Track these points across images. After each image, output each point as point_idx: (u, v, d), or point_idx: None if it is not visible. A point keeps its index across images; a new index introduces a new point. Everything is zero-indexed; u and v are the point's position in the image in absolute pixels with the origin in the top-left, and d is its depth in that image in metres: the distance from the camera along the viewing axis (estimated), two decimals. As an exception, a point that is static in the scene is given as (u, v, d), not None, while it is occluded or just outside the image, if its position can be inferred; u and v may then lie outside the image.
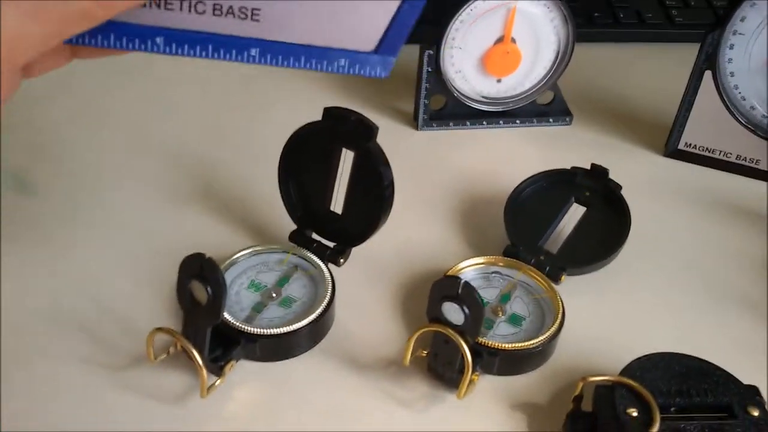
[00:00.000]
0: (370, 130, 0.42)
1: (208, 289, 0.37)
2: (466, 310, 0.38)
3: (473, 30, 0.55)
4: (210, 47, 0.28)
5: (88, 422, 0.39)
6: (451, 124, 0.60)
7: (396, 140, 0.58)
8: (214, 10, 0.27)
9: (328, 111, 0.43)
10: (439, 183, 0.55)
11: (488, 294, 0.45)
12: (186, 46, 0.28)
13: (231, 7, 0.27)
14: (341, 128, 0.43)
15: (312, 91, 0.63)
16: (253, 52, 0.28)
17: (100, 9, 0.26)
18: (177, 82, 0.63)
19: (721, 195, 0.55)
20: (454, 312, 0.38)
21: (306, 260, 0.46)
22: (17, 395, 0.40)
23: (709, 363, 0.39)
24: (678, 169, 0.58)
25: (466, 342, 0.38)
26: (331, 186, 0.45)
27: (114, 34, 0.28)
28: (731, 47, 0.52)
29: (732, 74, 0.53)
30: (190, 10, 0.27)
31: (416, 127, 0.60)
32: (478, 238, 0.51)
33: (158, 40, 0.28)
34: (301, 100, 0.62)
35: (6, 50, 0.26)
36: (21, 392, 0.40)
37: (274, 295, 0.44)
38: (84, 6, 0.26)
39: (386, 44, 0.27)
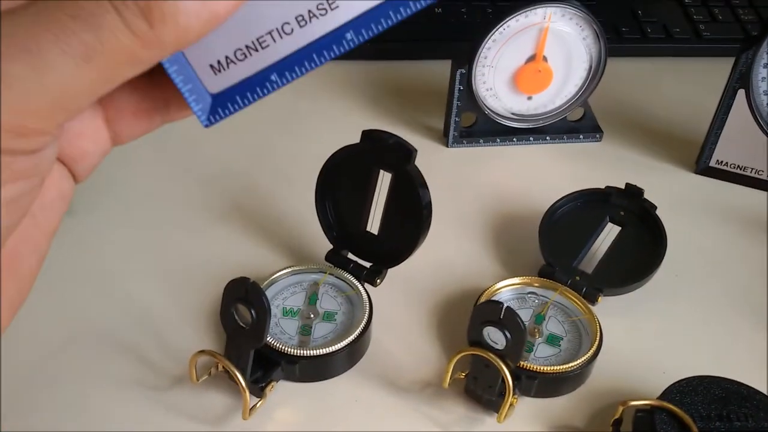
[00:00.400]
0: (409, 153, 0.42)
1: (253, 312, 0.38)
2: (508, 335, 0.38)
3: (505, 49, 0.55)
4: (314, 56, 0.28)
5: (132, 443, 0.40)
6: (481, 141, 0.60)
7: (426, 157, 0.58)
8: (299, 22, 0.28)
9: (367, 133, 0.43)
10: (470, 200, 0.56)
11: (524, 315, 0.45)
12: (296, 68, 0.29)
13: (309, 10, 0.28)
14: (380, 150, 0.43)
15: (343, 109, 0.63)
16: (349, 36, 0.28)
17: (142, 49, 0.25)
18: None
19: (755, 213, 0.55)
20: (495, 336, 0.38)
21: (343, 280, 0.46)
22: (60, 416, 0.41)
23: (749, 387, 0.39)
24: (709, 187, 0.58)
25: (507, 366, 0.38)
26: (368, 206, 0.46)
27: (239, 95, 0.29)
28: (765, 66, 0.52)
29: (765, 93, 0.53)
30: (281, 36, 0.28)
31: (446, 144, 0.60)
32: (511, 258, 0.51)
33: (273, 77, 0.29)
34: (333, 119, 0.62)
35: (59, 97, 0.24)
36: (64, 413, 0.41)
37: (311, 315, 0.45)
38: (132, 49, 0.24)
39: None
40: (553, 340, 0.44)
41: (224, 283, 0.39)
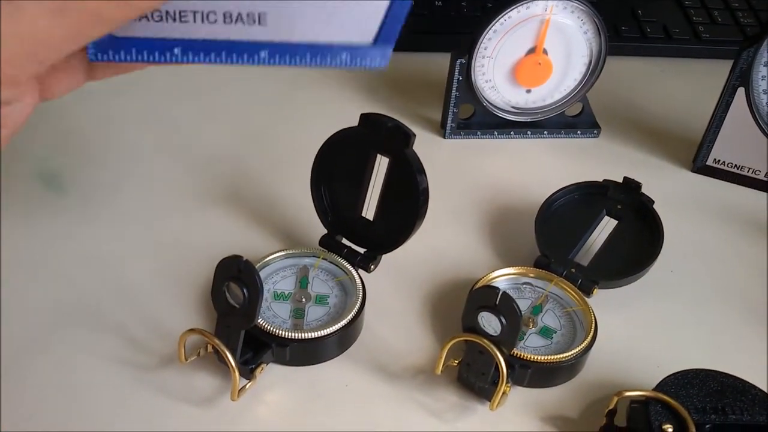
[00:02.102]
0: (407, 137, 0.42)
1: (245, 291, 0.37)
2: (504, 321, 0.37)
3: (505, 40, 0.55)
4: (223, 53, 0.30)
5: (117, 421, 0.39)
6: (478, 133, 0.59)
7: (423, 148, 0.57)
8: (224, 18, 0.29)
9: (365, 117, 0.43)
10: (467, 192, 0.55)
11: (521, 305, 0.44)
12: (201, 54, 0.30)
13: (240, 14, 0.29)
14: (378, 134, 0.42)
15: (340, 99, 0.63)
16: (263, 54, 0.30)
17: (113, 9, 0.26)
18: (210, 85, 0.63)
19: (751, 212, 0.55)
20: (490, 322, 0.38)
21: (336, 265, 0.46)
22: (45, 393, 0.40)
23: (745, 381, 0.39)
24: (706, 185, 0.57)
25: (502, 353, 0.38)
26: (363, 192, 0.45)
27: (135, 49, 0.30)
28: (766, 64, 0.52)
29: (765, 92, 0.53)
30: (203, 21, 0.29)
31: (443, 136, 0.60)
32: (506, 249, 0.51)
33: (176, 50, 0.30)
34: (331, 108, 0.62)
35: (32, 45, 0.26)
36: (49, 391, 0.40)
37: (303, 299, 0.44)
38: (98, 6, 0.26)
39: (383, 35, 0.29)
40: (546, 332, 0.43)
41: (216, 265, 0.38)
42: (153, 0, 0.27)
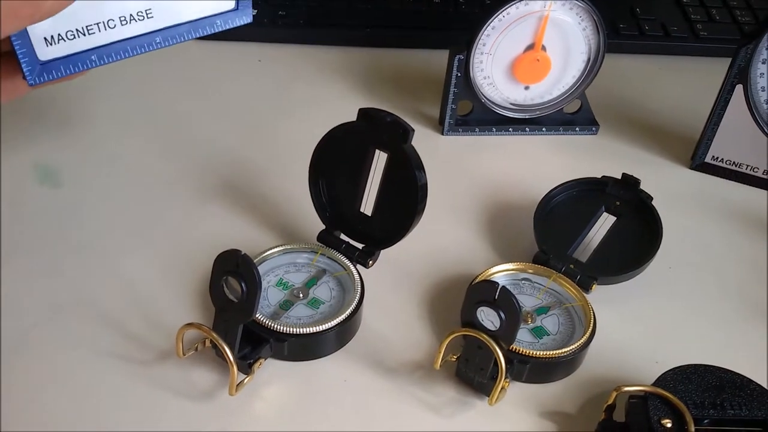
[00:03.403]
0: (406, 131, 0.42)
1: (243, 285, 0.37)
2: (503, 316, 0.37)
3: (504, 36, 0.55)
4: (129, 48, 0.38)
5: (115, 416, 0.39)
6: (476, 129, 0.59)
7: (421, 144, 0.57)
8: (121, 22, 0.37)
9: (364, 111, 0.43)
10: (465, 188, 0.55)
11: (526, 302, 0.45)
12: (113, 54, 0.38)
13: (131, 14, 0.38)
14: (376, 129, 0.42)
15: (338, 95, 0.63)
16: (158, 39, 0.38)
17: (27, 8, 0.32)
18: (209, 81, 0.63)
19: (749, 209, 0.55)
20: (490, 317, 0.38)
21: (335, 261, 0.46)
22: (42, 388, 0.40)
23: (743, 376, 0.39)
24: (704, 182, 0.57)
25: (501, 348, 0.38)
26: (362, 187, 0.45)
27: (62, 66, 0.37)
28: (764, 62, 0.52)
29: (763, 89, 0.53)
30: (106, 28, 0.37)
31: (441, 132, 0.60)
32: (505, 245, 0.51)
33: (93, 57, 0.38)
34: (329, 104, 0.62)
35: None
36: (48, 386, 0.40)
37: (301, 295, 0.44)
38: (15, 5, 0.32)
39: (240, 1, 0.40)
40: (539, 331, 0.43)
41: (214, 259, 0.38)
42: (58, 1, 0.34)
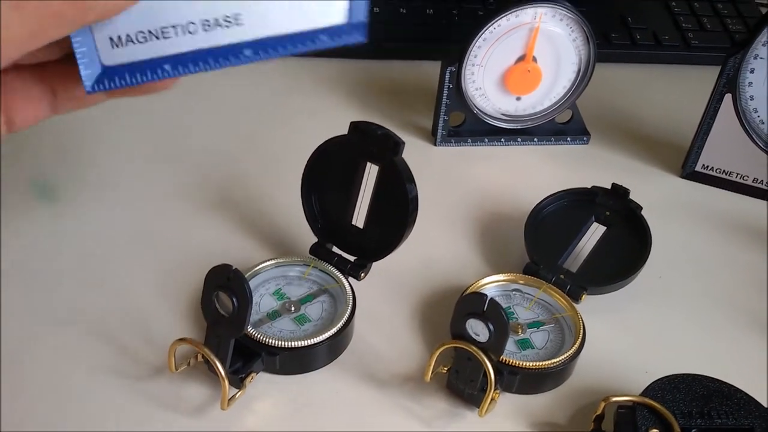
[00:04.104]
0: (397, 145, 0.42)
1: (234, 300, 0.37)
2: (491, 328, 0.38)
3: (495, 48, 0.56)
4: (210, 59, 0.31)
5: (107, 430, 0.39)
6: (469, 140, 0.60)
7: (414, 155, 0.57)
8: (203, 26, 0.30)
9: (355, 125, 0.43)
10: (457, 199, 0.55)
11: (519, 313, 0.45)
12: (190, 65, 0.31)
13: (216, 18, 0.30)
14: (367, 142, 0.43)
15: (331, 106, 0.63)
16: (247, 52, 0.31)
17: (72, 9, 0.27)
18: (202, 92, 0.64)
19: (738, 217, 0.55)
20: (478, 329, 0.38)
21: (327, 273, 0.46)
22: (34, 403, 0.40)
23: (731, 385, 0.39)
24: (695, 191, 0.58)
25: (490, 360, 0.38)
26: (353, 200, 0.45)
27: (128, 73, 0.31)
28: (752, 71, 0.53)
29: (752, 98, 0.53)
30: (184, 33, 0.30)
31: (434, 143, 0.60)
32: (496, 255, 0.51)
33: (166, 66, 0.31)
34: (322, 116, 0.62)
35: None
36: (39, 399, 0.40)
37: (292, 309, 0.44)
38: (60, 6, 0.27)
39: (354, 13, 0.31)
40: (525, 343, 0.44)
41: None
42: (115, 1, 0.28)
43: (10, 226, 0.50)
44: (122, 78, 0.31)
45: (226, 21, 0.30)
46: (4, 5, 0.25)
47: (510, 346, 0.43)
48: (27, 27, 0.26)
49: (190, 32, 0.31)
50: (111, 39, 0.30)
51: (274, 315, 0.44)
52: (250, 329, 0.41)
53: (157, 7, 0.30)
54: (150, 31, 0.30)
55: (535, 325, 0.44)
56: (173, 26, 0.30)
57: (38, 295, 0.46)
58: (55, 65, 0.32)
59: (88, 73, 0.31)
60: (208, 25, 0.30)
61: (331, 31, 0.31)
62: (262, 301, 0.44)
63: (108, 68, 0.31)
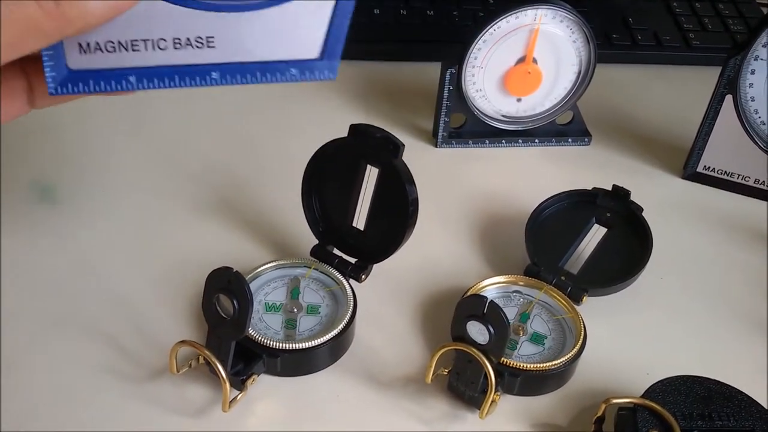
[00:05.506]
0: (397, 147, 0.42)
1: (235, 302, 0.38)
2: (491, 330, 0.38)
3: (495, 50, 0.56)
4: (176, 77, 0.31)
5: (110, 433, 0.39)
6: (470, 142, 0.60)
7: (415, 157, 0.57)
8: (174, 44, 0.30)
9: (354, 127, 0.43)
10: (458, 200, 0.55)
11: (509, 313, 0.45)
12: (155, 80, 0.31)
13: (188, 38, 0.30)
14: (367, 144, 0.43)
15: (332, 108, 0.63)
16: (215, 75, 0.31)
17: (51, 23, 0.27)
18: (201, 96, 0.63)
19: (740, 218, 0.55)
20: (478, 331, 0.38)
21: (327, 275, 0.46)
22: (36, 405, 0.40)
23: (732, 387, 0.39)
24: (696, 192, 0.58)
25: (490, 362, 0.38)
26: (354, 202, 0.45)
27: (92, 80, 0.31)
28: (752, 72, 0.52)
29: (753, 99, 0.53)
30: (154, 48, 0.30)
31: (435, 144, 0.60)
32: (497, 257, 0.51)
33: (131, 78, 0.31)
34: (322, 118, 0.62)
35: None
36: (41, 402, 0.40)
37: (295, 309, 0.44)
38: (33, 16, 0.27)
39: (329, 49, 0.31)
40: (537, 338, 0.44)
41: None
42: (93, 16, 0.28)
43: (9, 228, 0.50)
44: (86, 84, 0.31)
45: (197, 42, 0.31)
46: None
47: (529, 348, 0.43)
48: (5, 39, 0.27)
49: (160, 48, 0.31)
50: (80, 45, 0.31)
51: (291, 324, 0.44)
52: (256, 335, 0.41)
53: (130, 20, 0.30)
54: (120, 42, 0.31)
55: (524, 317, 0.45)
56: (144, 40, 0.30)
57: (38, 297, 0.46)
58: (34, 60, 0.32)
59: (53, 75, 0.31)
60: (179, 44, 0.31)
61: (302, 65, 0.31)
62: (269, 321, 0.44)
63: (73, 72, 0.31)
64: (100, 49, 0.31)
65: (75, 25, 0.28)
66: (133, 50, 0.31)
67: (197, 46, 0.31)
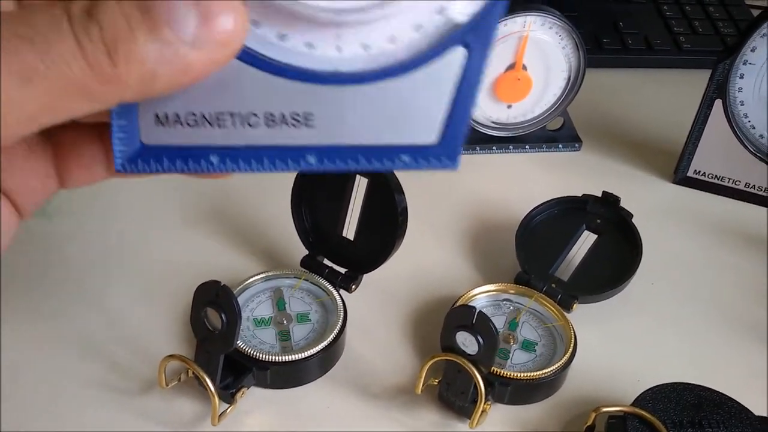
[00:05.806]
0: (384, 157, 0.42)
1: (223, 316, 0.37)
2: (480, 340, 0.38)
3: (484, 57, 0.55)
4: (265, 160, 0.26)
5: (99, 448, 0.39)
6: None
7: (406, 165, 0.58)
8: (266, 120, 0.25)
9: (342, 138, 0.43)
10: (449, 208, 0.55)
11: (498, 321, 0.45)
12: (241, 162, 0.26)
13: (283, 114, 0.25)
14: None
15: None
16: (311, 159, 0.26)
17: (99, 85, 0.21)
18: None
19: (730, 222, 0.55)
20: (468, 341, 0.38)
21: (318, 286, 0.46)
22: (25, 418, 0.40)
23: (722, 394, 0.39)
24: (687, 196, 0.58)
25: (480, 372, 0.38)
26: (343, 212, 0.45)
27: (166, 158, 0.26)
28: (741, 77, 0.53)
29: (742, 103, 0.53)
30: (243, 125, 0.25)
31: (426, 152, 0.60)
32: (487, 265, 0.51)
33: (212, 158, 0.26)
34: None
35: None
36: (30, 415, 0.40)
37: (284, 320, 0.44)
38: (81, 79, 0.21)
39: (448, 133, 0.25)
40: (528, 345, 0.44)
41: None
42: (148, 79, 0.22)
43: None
44: (159, 162, 0.26)
45: (294, 119, 0.25)
46: (15, 79, 0.21)
47: (522, 356, 0.43)
48: (36, 101, 0.21)
49: (249, 124, 0.25)
50: (157, 116, 0.25)
51: (284, 336, 0.44)
52: (245, 347, 0.41)
53: (218, 87, 0.25)
54: (203, 115, 0.25)
55: (513, 325, 0.45)
56: (231, 114, 0.25)
57: (28, 309, 0.46)
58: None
59: (121, 149, 0.26)
60: (273, 121, 0.25)
61: (416, 151, 0.25)
62: (262, 336, 0.44)
63: (146, 147, 0.26)
64: (180, 123, 0.26)
65: (134, 92, 0.22)
66: (219, 126, 0.25)
67: (293, 124, 0.25)
